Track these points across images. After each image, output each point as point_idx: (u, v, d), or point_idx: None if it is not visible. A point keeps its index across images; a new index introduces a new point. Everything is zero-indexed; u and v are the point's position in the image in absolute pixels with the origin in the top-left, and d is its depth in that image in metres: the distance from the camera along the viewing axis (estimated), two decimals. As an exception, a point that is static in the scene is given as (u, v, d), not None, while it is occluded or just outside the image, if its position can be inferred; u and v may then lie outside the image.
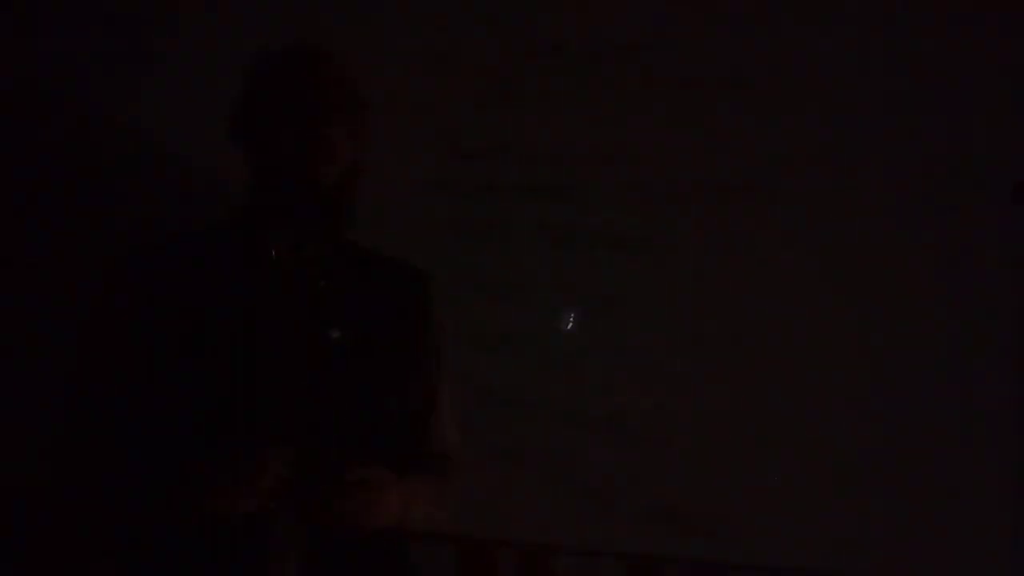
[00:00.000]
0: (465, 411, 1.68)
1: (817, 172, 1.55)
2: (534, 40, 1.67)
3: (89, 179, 1.74)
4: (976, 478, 1.49)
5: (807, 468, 1.55)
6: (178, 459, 1.18)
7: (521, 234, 1.68)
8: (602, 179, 1.64)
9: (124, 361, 1.24)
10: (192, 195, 1.69)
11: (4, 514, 1.55)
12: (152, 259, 1.28)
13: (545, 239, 1.67)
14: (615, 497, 1.63)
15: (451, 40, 1.69)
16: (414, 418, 1.35)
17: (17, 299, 1.70)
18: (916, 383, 1.51)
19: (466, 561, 1.70)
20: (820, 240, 1.55)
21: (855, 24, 1.53)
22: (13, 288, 1.71)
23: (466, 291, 1.69)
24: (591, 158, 1.64)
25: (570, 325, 1.65)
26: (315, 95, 1.27)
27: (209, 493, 1.16)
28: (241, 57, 1.33)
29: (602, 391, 1.64)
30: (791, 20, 1.55)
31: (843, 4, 1.54)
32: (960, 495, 1.49)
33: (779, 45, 1.56)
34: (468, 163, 1.70)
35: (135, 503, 1.20)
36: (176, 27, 1.73)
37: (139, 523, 1.21)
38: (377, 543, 1.25)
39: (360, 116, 1.32)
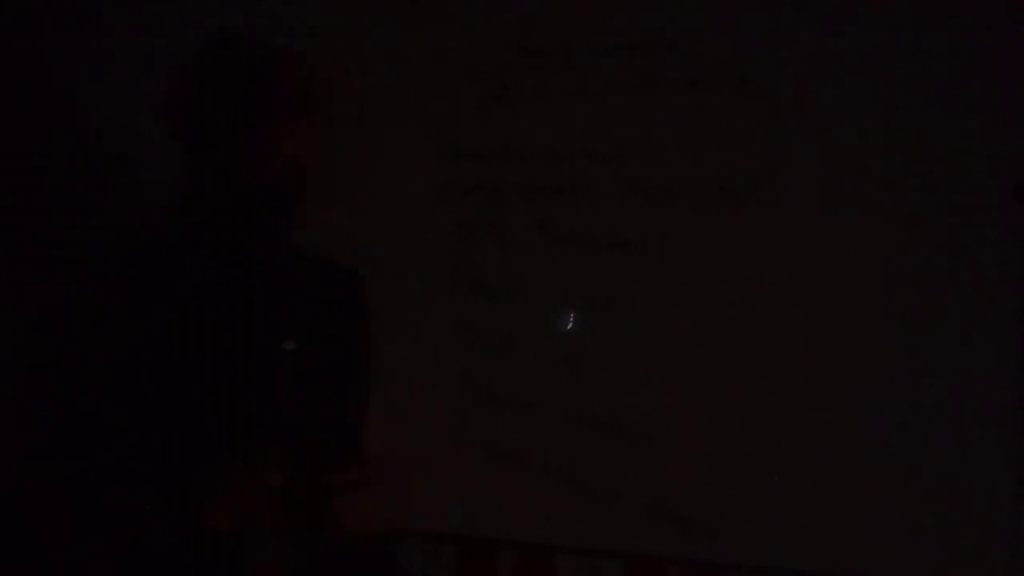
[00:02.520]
0: (465, 411, 1.69)
1: (817, 172, 1.54)
2: (534, 40, 1.67)
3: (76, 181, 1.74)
4: (976, 478, 1.48)
5: (807, 468, 1.55)
6: (147, 471, 1.13)
7: (521, 234, 1.68)
8: (602, 179, 1.64)
9: (66, 380, 1.19)
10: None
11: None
12: (98, 267, 1.24)
13: (545, 239, 1.67)
14: (615, 497, 1.63)
15: (451, 40, 1.69)
16: (350, 420, 1.33)
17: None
18: (916, 383, 1.50)
19: (466, 561, 1.70)
20: (819, 240, 1.54)
21: (856, 24, 1.53)
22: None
23: (466, 291, 1.69)
24: (591, 158, 1.64)
25: (570, 325, 1.65)
26: (256, 92, 1.20)
27: (210, 505, 1.12)
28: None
29: (602, 391, 1.64)
30: (792, 20, 1.55)
31: (844, 4, 1.53)
32: (961, 496, 1.49)
33: (779, 45, 1.56)
34: (468, 163, 1.70)
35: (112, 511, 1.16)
36: (173, 25, 1.74)
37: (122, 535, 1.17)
38: (363, 545, 1.24)
39: (309, 112, 1.25)
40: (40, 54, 1.80)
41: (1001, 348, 1.48)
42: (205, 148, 1.23)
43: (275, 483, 1.13)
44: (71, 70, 1.79)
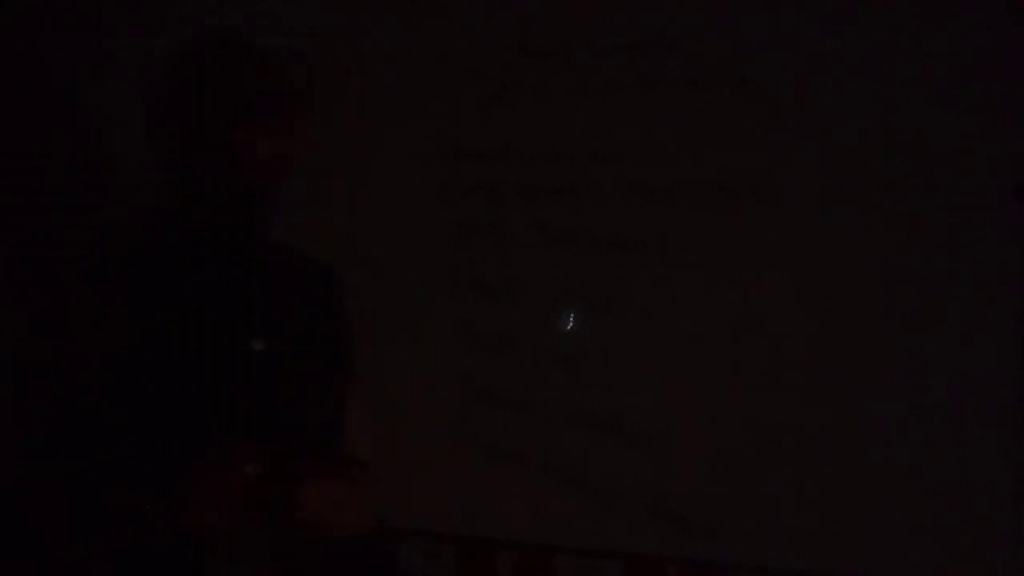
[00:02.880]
0: (465, 411, 1.69)
1: (817, 172, 1.55)
2: (534, 40, 1.67)
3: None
4: (976, 478, 1.48)
5: (807, 468, 1.55)
6: (135, 469, 1.13)
7: (521, 234, 1.68)
8: (602, 179, 1.64)
9: (58, 379, 1.19)
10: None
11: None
12: (84, 266, 1.24)
13: (545, 239, 1.67)
14: (615, 497, 1.63)
15: (451, 40, 1.69)
16: (330, 419, 1.32)
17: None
18: (916, 383, 1.50)
19: (466, 561, 1.70)
20: (819, 240, 1.54)
21: (856, 24, 1.53)
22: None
23: (466, 291, 1.69)
24: (591, 158, 1.64)
25: (570, 325, 1.65)
26: (232, 93, 1.20)
27: (189, 504, 1.11)
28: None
29: (602, 391, 1.64)
30: (792, 20, 1.55)
31: (844, 4, 1.53)
32: (960, 495, 1.49)
33: (779, 45, 1.56)
34: (468, 163, 1.70)
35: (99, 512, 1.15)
36: (173, 25, 1.74)
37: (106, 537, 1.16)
38: (363, 545, 1.23)
39: (286, 112, 1.25)
40: (40, 54, 1.80)
41: (1001, 348, 1.48)
42: (187, 148, 1.22)
43: (252, 479, 1.12)
44: (71, 70, 1.79)
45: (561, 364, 1.65)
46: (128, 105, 1.72)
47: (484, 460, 1.68)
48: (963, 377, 1.49)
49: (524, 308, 1.67)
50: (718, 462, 1.58)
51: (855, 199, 1.53)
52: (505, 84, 1.68)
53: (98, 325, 1.19)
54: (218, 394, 1.20)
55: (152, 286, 1.22)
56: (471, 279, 1.70)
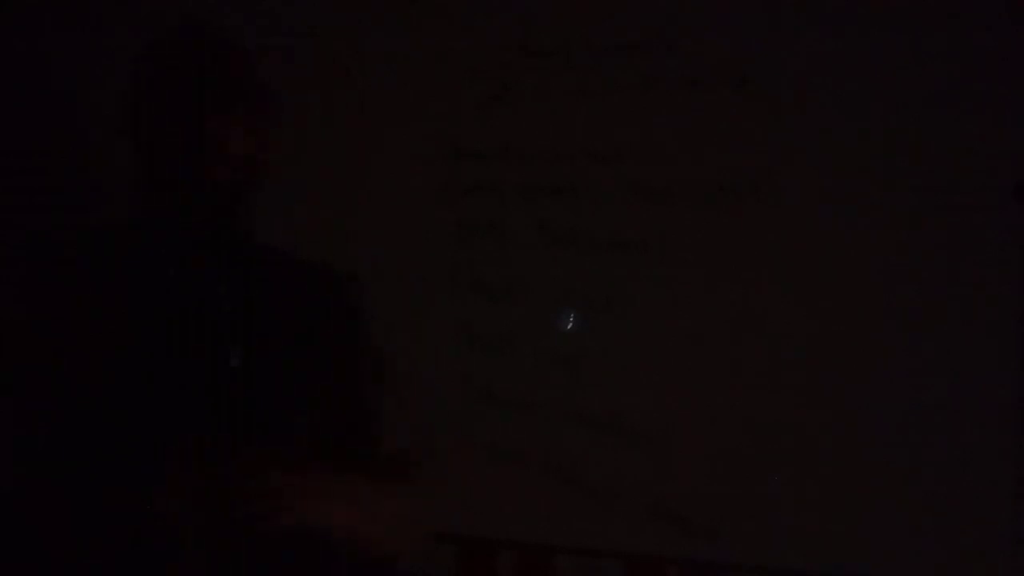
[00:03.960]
0: (465, 411, 1.69)
1: (817, 172, 1.55)
2: (534, 40, 1.67)
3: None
4: (976, 479, 1.48)
5: (807, 468, 1.55)
6: (95, 476, 1.12)
7: (521, 234, 1.68)
8: (602, 179, 1.64)
9: (22, 380, 1.17)
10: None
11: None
12: (44, 266, 1.23)
13: (545, 239, 1.67)
14: (615, 497, 1.63)
15: (451, 40, 1.69)
16: (346, 426, 1.29)
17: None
18: (916, 383, 1.50)
19: (466, 561, 1.70)
20: (820, 240, 1.54)
21: (856, 24, 1.53)
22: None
23: (466, 291, 1.70)
24: (591, 158, 1.64)
25: (570, 325, 1.66)
26: (204, 88, 1.18)
27: (153, 497, 1.10)
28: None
29: (602, 391, 1.64)
30: (792, 20, 1.55)
31: (844, 4, 1.53)
32: (960, 496, 1.49)
33: (779, 45, 1.56)
34: (468, 163, 1.70)
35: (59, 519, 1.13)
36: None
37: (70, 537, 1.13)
38: (364, 545, 1.22)
39: (259, 108, 1.23)
40: (40, 54, 1.80)
41: (1001, 348, 1.48)
42: (160, 144, 1.20)
43: (205, 475, 1.11)
44: (71, 70, 1.79)
45: (561, 364, 1.65)
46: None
47: (484, 460, 1.68)
48: (963, 377, 1.49)
49: (524, 308, 1.67)
50: (718, 462, 1.58)
51: (855, 199, 1.53)
52: (505, 84, 1.68)
53: (69, 327, 1.17)
54: (195, 396, 1.17)
55: (126, 287, 1.21)
56: (471, 279, 1.70)
